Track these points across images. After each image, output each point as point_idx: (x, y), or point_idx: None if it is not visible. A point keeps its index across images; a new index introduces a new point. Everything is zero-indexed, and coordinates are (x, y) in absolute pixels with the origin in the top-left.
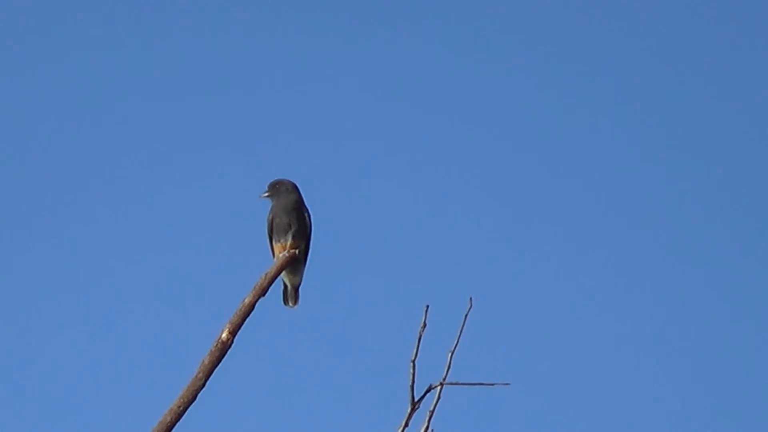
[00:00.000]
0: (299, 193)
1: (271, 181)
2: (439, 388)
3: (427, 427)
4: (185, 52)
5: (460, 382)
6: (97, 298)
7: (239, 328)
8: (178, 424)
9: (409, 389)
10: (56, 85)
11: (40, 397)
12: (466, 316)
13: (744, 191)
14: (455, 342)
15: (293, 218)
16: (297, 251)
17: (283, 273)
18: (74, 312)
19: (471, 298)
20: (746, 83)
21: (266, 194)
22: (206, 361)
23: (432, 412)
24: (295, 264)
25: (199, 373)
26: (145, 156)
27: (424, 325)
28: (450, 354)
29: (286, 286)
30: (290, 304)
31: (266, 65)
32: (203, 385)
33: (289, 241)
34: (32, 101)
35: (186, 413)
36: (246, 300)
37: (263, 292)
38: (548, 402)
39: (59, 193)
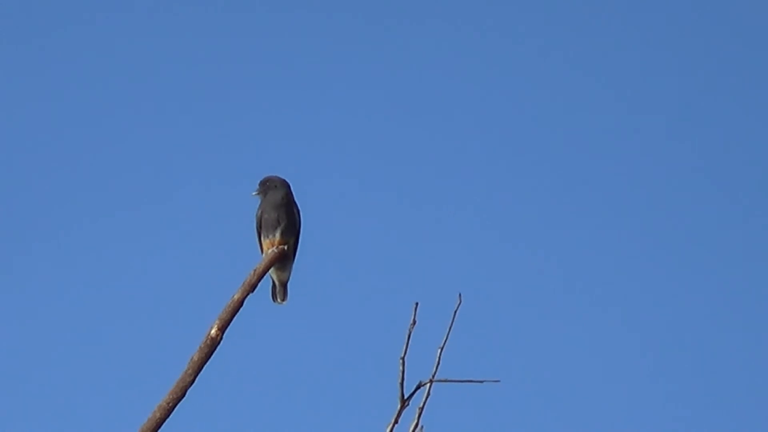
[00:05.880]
0: (289, 189)
1: (262, 178)
2: (428, 385)
3: (417, 424)
4: (179, 51)
5: (450, 379)
6: (86, 296)
7: (228, 324)
8: (167, 420)
9: (398, 386)
10: (51, 87)
11: (28, 394)
12: (456, 312)
13: (744, 191)
14: (444, 339)
15: (282, 214)
16: (286, 247)
17: (272, 269)
18: (63, 309)
19: (460, 295)
20: (746, 83)
21: (256, 192)
22: (195, 358)
23: (421, 409)
24: (284, 260)
25: (188, 369)
26: (133, 154)
27: (414, 322)
28: (439, 351)
29: (274, 283)
30: (279, 300)
31: (252, 63)
32: (192, 381)
33: (278, 237)
34: (29, 103)
35: (175, 409)
36: (235, 296)
37: (252, 288)
38: (538, 399)
39: (50, 190)
